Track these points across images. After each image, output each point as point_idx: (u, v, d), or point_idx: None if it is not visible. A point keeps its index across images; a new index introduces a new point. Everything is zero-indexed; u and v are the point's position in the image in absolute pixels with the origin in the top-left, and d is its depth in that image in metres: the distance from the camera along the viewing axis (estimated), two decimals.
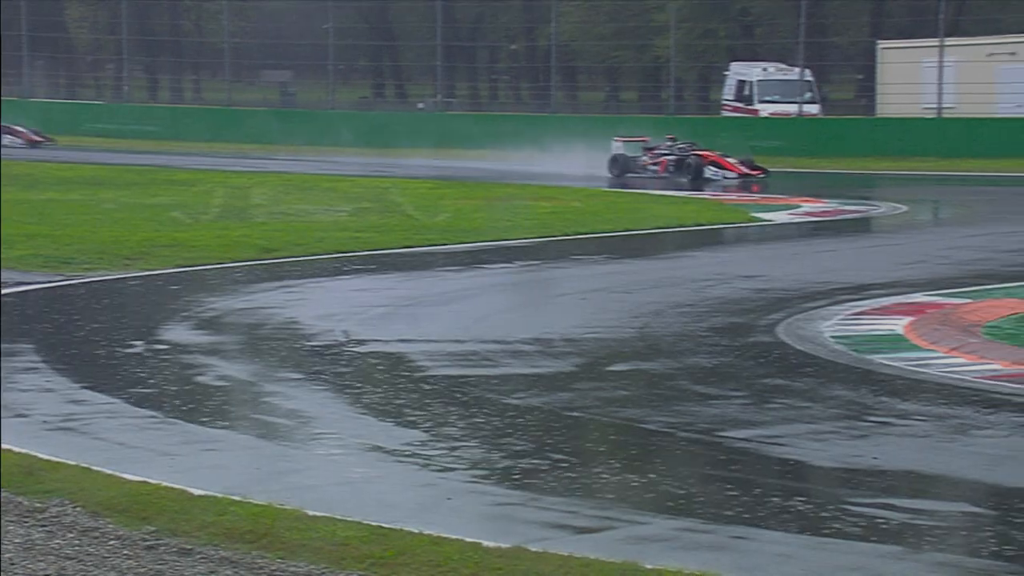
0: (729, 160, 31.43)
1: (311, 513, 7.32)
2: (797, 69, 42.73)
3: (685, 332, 13.19)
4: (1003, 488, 8.07)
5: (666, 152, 32.31)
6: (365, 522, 7.16)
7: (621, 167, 33.03)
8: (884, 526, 7.27)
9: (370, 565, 6.45)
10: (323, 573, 6.36)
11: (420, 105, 53.34)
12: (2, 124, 44.29)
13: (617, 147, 33.69)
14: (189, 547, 6.73)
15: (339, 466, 8.66)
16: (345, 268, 18.07)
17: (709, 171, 31.26)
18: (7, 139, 43.44)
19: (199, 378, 11.22)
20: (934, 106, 38.42)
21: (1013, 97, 38.65)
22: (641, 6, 53.70)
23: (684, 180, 30.96)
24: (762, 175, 31.30)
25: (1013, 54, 40.24)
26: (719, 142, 34.21)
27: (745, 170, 31.32)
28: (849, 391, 10.64)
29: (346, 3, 58.88)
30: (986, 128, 34.91)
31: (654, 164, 32.54)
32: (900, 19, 52.48)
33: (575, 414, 9.99)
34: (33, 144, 45.08)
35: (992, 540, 7.07)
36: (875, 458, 8.63)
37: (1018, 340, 12.28)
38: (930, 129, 36.38)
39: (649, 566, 6.39)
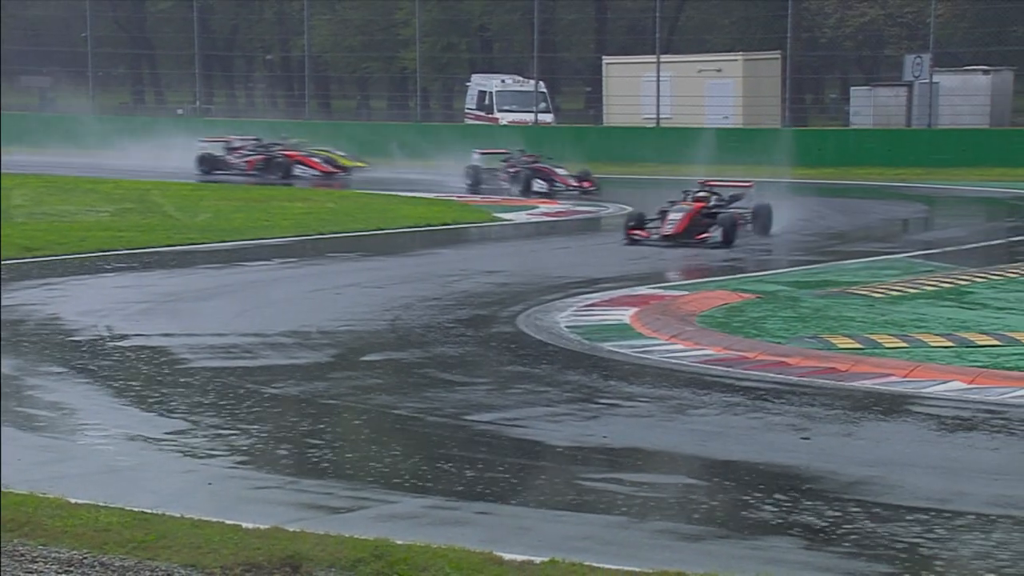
0: None
1: (73, 501, 7.07)
2: (532, 81, 43.41)
3: (433, 324, 13.24)
4: (714, 460, 8.37)
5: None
6: (128, 508, 6.95)
7: None
8: (612, 499, 7.45)
9: (132, 549, 6.26)
10: (85, 558, 6.14)
11: (179, 111, 52.11)
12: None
13: None
14: None
15: (102, 455, 8.39)
16: (107, 266, 17.50)
17: None
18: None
19: None
20: (653, 116, 39.56)
21: (719, 110, 40.16)
22: (387, 20, 53.68)
23: None
24: None
25: (719, 71, 41.80)
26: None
27: None
28: (582, 376, 10.86)
29: (104, 12, 56.97)
30: (696, 136, 36.17)
31: None
32: (621, 37, 53.86)
33: (331, 402, 9.92)
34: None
35: (705, 507, 7.32)
36: (604, 437, 8.83)
37: (728, 328, 12.74)
38: (650, 137, 37.46)
39: (400, 542, 6.39)
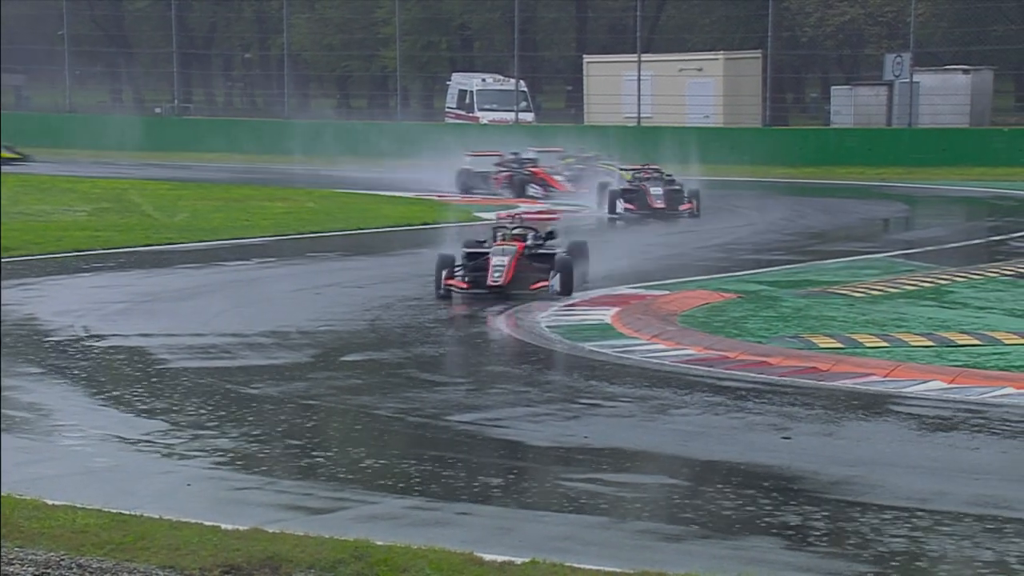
0: None
1: (50, 502, 7.04)
2: (513, 80, 43.41)
3: (413, 323, 13.23)
4: (696, 460, 8.38)
5: None
6: (105, 509, 6.92)
7: None
8: (593, 499, 7.45)
9: (109, 551, 6.24)
10: (62, 560, 6.11)
11: (157, 110, 51.94)
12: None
13: None
14: None
15: (80, 456, 8.35)
16: (84, 266, 17.43)
17: None
18: None
19: None
20: (634, 115, 39.60)
21: (700, 109, 40.22)
22: (368, 19, 53.61)
23: None
24: None
25: (700, 70, 41.88)
26: None
27: None
28: (563, 376, 10.86)
29: (81, 11, 56.74)
30: (678, 136, 36.19)
31: None
32: (602, 36, 53.91)
33: (311, 402, 9.90)
34: None
35: (686, 507, 7.33)
36: (585, 437, 8.84)
37: (709, 327, 12.76)
38: (631, 136, 37.48)
39: (380, 542, 6.39)
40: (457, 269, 15.12)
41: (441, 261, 15.11)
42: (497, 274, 14.96)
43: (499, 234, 15.73)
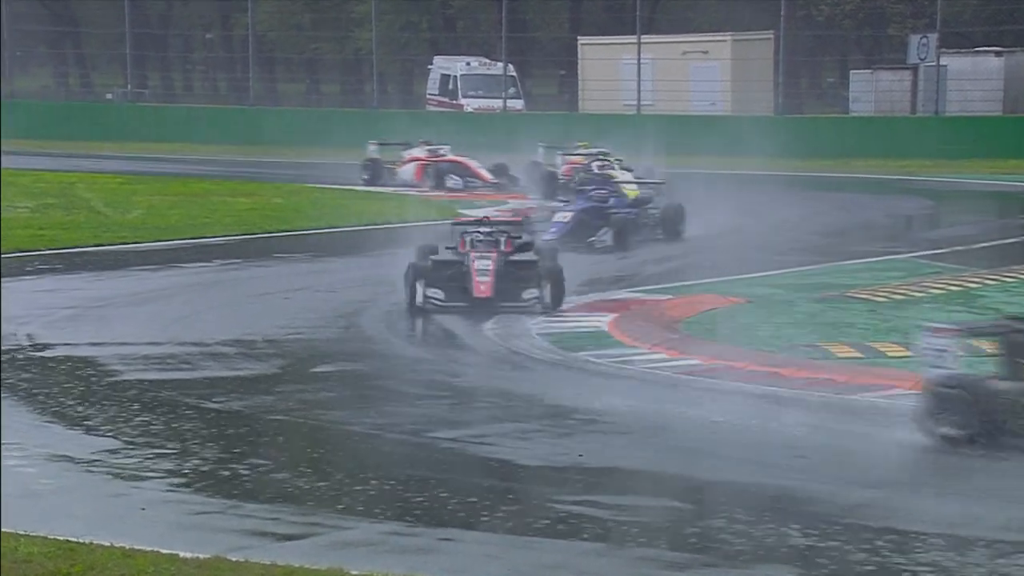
0: None
1: None
2: (500, 64, 43.45)
3: (390, 331, 13.23)
4: (701, 481, 8.41)
5: None
6: (51, 536, 6.93)
7: None
8: (588, 523, 7.47)
9: None
10: None
11: (109, 95, 51.88)
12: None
13: None
14: None
15: (23, 478, 8.35)
16: (28, 268, 17.41)
17: None
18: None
19: None
20: (633, 103, 39.65)
21: (705, 95, 40.26)
22: None
23: None
24: None
25: (705, 52, 41.94)
26: None
27: None
28: (555, 388, 10.86)
29: None
30: (681, 125, 36.19)
31: None
32: (598, 16, 54.00)
33: (278, 417, 9.91)
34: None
35: (690, 532, 7.35)
36: (580, 455, 8.86)
37: (716, 335, 12.80)
38: (630, 125, 37.54)
39: (355, 572, 6.40)
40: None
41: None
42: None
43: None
